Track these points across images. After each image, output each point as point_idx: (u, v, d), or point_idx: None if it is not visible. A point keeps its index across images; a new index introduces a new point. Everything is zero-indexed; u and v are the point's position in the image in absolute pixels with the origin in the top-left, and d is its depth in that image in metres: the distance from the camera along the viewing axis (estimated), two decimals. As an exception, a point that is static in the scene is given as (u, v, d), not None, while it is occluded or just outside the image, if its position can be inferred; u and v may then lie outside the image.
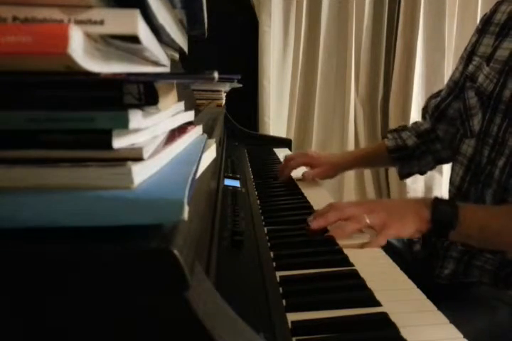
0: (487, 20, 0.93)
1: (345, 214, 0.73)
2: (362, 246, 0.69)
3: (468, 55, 0.96)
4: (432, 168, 1.12)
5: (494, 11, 0.93)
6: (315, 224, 0.73)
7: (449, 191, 0.96)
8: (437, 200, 0.74)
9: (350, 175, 2.23)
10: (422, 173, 1.15)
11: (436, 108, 1.03)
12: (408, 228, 0.72)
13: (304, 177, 1.13)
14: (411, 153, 1.09)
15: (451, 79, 1.01)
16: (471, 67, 0.92)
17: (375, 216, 0.72)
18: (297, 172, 1.17)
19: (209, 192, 0.58)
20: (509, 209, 0.79)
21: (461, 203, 0.74)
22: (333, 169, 1.16)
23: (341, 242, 0.69)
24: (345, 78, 2.21)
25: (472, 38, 0.97)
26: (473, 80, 0.90)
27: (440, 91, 1.06)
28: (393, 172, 2.22)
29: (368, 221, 0.72)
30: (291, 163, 1.16)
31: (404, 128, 1.14)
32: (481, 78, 0.87)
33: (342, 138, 2.25)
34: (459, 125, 0.94)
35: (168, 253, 0.23)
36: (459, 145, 0.92)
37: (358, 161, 1.19)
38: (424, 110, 1.09)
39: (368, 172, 2.28)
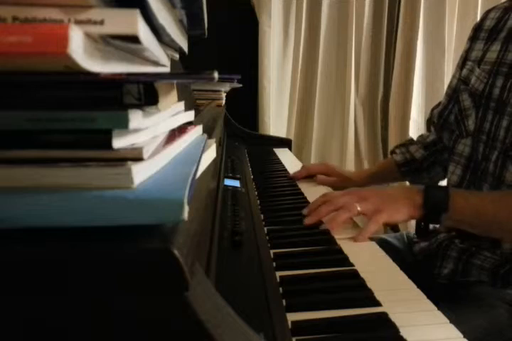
0: (478, 28, 0.99)
1: (337, 205, 0.75)
2: (355, 238, 0.70)
3: (462, 62, 1.01)
4: (442, 178, 1.13)
5: (484, 18, 0.98)
6: (309, 220, 0.76)
7: None
8: (429, 186, 0.76)
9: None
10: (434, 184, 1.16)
11: (440, 116, 1.05)
12: (401, 213, 0.74)
13: (316, 179, 1.15)
14: (420, 166, 1.12)
15: (449, 87, 1.05)
16: (464, 72, 0.97)
17: (367, 203, 0.74)
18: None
19: (209, 192, 0.58)
20: (504, 194, 0.81)
21: (453, 188, 0.76)
22: (346, 182, 1.18)
23: (337, 236, 0.71)
24: (345, 78, 2.20)
25: (465, 46, 1.02)
26: (466, 83, 0.95)
27: (441, 102, 1.09)
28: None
29: (359, 208, 0.73)
30: (309, 168, 1.19)
31: (411, 142, 1.17)
32: (473, 80, 0.92)
33: (342, 138, 2.24)
34: (454, 127, 0.96)
35: (168, 253, 0.23)
36: (454, 145, 0.95)
37: (371, 179, 1.21)
38: (429, 121, 1.12)
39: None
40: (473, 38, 0.99)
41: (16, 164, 0.24)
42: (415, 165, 1.12)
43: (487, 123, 0.87)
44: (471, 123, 0.91)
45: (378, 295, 0.53)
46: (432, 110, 1.10)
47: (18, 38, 0.20)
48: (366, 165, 2.23)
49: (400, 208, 0.74)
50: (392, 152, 1.19)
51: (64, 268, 0.24)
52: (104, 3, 0.24)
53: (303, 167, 1.23)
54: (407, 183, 1.22)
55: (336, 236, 0.71)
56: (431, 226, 0.94)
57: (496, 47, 0.90)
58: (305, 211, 0.79)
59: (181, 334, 0.25)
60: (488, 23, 0.95)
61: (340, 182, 1.17)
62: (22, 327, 0.24)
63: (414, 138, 1.20)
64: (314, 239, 0.71)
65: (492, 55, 0.90)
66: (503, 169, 0.82)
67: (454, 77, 1.05)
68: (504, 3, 0.96)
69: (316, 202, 0.79)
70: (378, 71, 2.26)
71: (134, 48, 0.27)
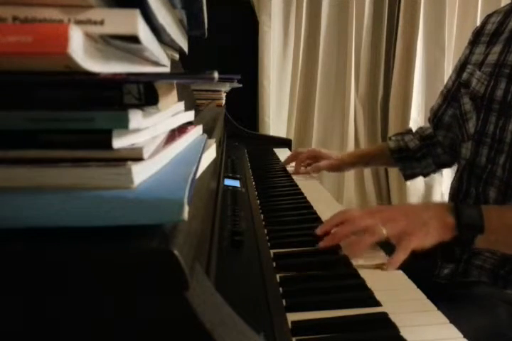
0: (478, 32, 0.99)
1: (358, 227, 0.66)
2: (381, 267, 0.61)
3: (462, 65, 1.01)
4: (434, 172, 1.16)
5: (485, 23, 0.98)
6: (325, 243, 0.66)
7: (449, 194, 0.99)
8: (459, 204, 0.68)
9: (350, 174, 2.23)
10: (424, 175, 1.19)
11: (434, 115, 1.09)
12: (431, 237, 0.65)
13: (311, 170, 1.21)
14: (412, 155, 1.14)
15: (445, 87, 1.07)
16: (465, 75, 0.96)
17: (393, 225, 0.65)
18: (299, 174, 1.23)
19: (209, 192, 0.58)
20: None
21: (485, 206, 0.68)
22: (338, 164, 1.24)
23: (356, 262, 0.62)
24: (345, 78, 2.21)
25: (465, 51, 1.02)
26: (467, 86, 0.94)
27: None
28: (393, 170, 2.22)
29: (384, 232, 0.64)
30: (300, 154, 1.27)
31: (408, 131, 1.20)
32: (473, 83, 0.92)
33: (342, 138, 2.25)
34: (457, 131, 0.98)
35: (168, 253, 0.23)
36: (460, 150, 0.95)
37: (361, 159, 1.26)
38: (430, 117, 1.14)
39: (367, 171, 2.29)
40: (473, 43, 0.99)
41: (16, 164, 0.24)
42: (407, 153, 1.14)
43: (491, 126, 0.86)
44: (471, 126, 0.91)
45: (378, 295, 0.53)
46: (432, 107, 1.12)
47: (18, 37, 0.20)
48: (366, 165, 2.23)
49: (431, 231, 0.65)
50: (389, 138, 1.22)
51: (64, 268, 0.24)
52: (104, 3, 0.25)
53: (292, 154, 1.31)
54: (403, 179, 1.23)
55: (356, 264, 0.62)
56: None
57: (496, 49, 0.89)
58: (318, 230, 0.69)
59: (181, 334, 0.25)
60: (489, 27, 0.95)
61: (334, 163, 1.22)
62: (22, 327, 0.24)
63: None
64: (314, 239, 0.71)
65: (493, 57, 0.89)
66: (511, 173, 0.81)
67: (450, 78, 1.06)
68: (504, 7, 0.96)
69: (333, 221, 0.69)
70: (378, 71, 2.26)
71: (134, 48, 0.27)
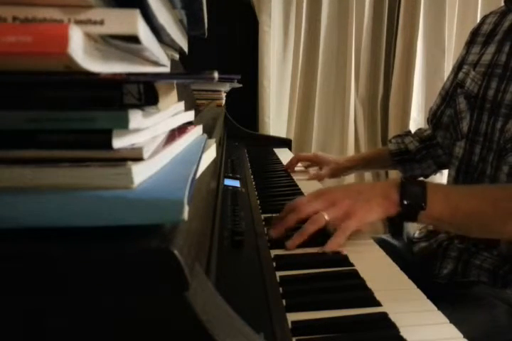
0: (475, 33, 1.00)
1: (304, 214, 0.68)
2: (320, 249, 0.64)
3: (459, 65, 1.02)
4: (434, 172, 1.17)
5: (481, 23, 1.00)
6: (275, 232, 0.69)
7: None
8: (406, 180, 0.70)
9: (350, 175, 2.23)
10: (425, 177, 1.19)
11: (433, 116, 1.09)
12: (374, 212, 0.67)
13: (312, 176, 1.21)
14: (412, 157, 1.15)
15: (443, 88, 1.08)
16: (460, 75, 0.98)
17: (335, 209, 0.67)
18: (300, 174, 1.23)
19: (209, 192, 0.58)
20: (484, 188, 0.79)
21: (432, 183, 0.70)
22: (338, 169, 1.24)
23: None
24: (345, 78, 2.20)
25: (463, 51, 1.03)
26: (462, 86, 0.96)
27: None
28: (393, 172, 2.22)
29: (326, 217, 0.66)
30: (300, 156, 1.30)
31: (408, 133, 1.21)
32: (468, 82, 0.94)
33: (342, 138, 2.24)
34: (451, 130, 0.99)
35: (168, 253, 0.23)
36: (453, 149, 0.96)
37: (362, 163, 1.26)
38: (429, 118, 1.15)
39: (368, 173, 2.29)
40: (470, 43, 1.01)
41: (16, 164, 0.24)
42: (408, 156, 1.15)
43: (483, 125, 0.88)
44: (465, 125, 0.92)
45: (378, 295, 0.53)
46: (431, 108, 1.13)
47: (18, 37, 0.20)
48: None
49: (374, 207, 0.67)
50: (389, 141, 1.23)
51: (64, 269, 0.24)
52: (104, 3, 0.25)
53: (293, 157, 1.32)
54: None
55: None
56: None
57: (491, 49, 0.91)
58: (274, 220, 0.73)
59: (181, 334, 0.25)
60: (486, 28, 0.96)
61: (334, 170, 1.23)
62: (22, 327, 0.24)
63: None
64: (314, 239, 0.71)
65: (487, 57, 0.91)
66: (498, 170, 0.83)
67: (448, 79, 1.07)
68: (501, 7, 0.97)
69: (285, 211, 0.72)
70: (378, 71, 2.26)
71: (134, 48, 0.27)
